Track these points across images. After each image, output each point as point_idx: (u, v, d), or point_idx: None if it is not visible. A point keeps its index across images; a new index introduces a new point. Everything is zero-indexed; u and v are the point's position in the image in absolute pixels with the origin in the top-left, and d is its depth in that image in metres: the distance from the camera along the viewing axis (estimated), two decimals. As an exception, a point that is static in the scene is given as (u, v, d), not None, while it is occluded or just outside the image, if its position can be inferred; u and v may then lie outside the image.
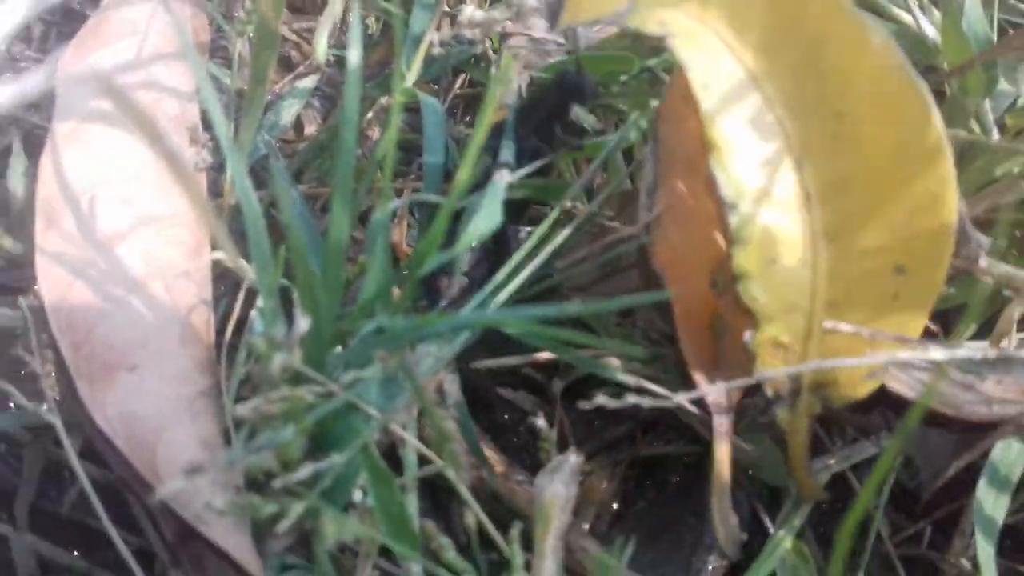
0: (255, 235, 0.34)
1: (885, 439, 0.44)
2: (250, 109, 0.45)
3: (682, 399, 0.33)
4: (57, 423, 0.39)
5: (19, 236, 0.45)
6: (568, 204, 0.45)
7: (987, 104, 0.50)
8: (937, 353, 0.36)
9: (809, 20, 0.36)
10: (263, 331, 0.37)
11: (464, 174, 0.32)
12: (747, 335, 0.36)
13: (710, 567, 0.42)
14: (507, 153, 0.43)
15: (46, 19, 0.64)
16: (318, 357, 0.36)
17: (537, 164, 0.45)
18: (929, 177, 0.35)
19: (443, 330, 0.36)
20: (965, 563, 0.43)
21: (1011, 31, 0.56)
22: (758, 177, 0.36)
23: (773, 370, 0.36)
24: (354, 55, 0.33)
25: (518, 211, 0.47)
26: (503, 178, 0.41)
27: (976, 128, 0.51)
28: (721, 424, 0.38)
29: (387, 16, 0.58)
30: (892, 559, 0.45)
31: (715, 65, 0.36)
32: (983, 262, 0.40)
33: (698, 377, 0.38)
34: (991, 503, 0.40)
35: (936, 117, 0.35)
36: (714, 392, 0.36)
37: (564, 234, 0.43)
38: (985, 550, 0.40)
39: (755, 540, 0.43)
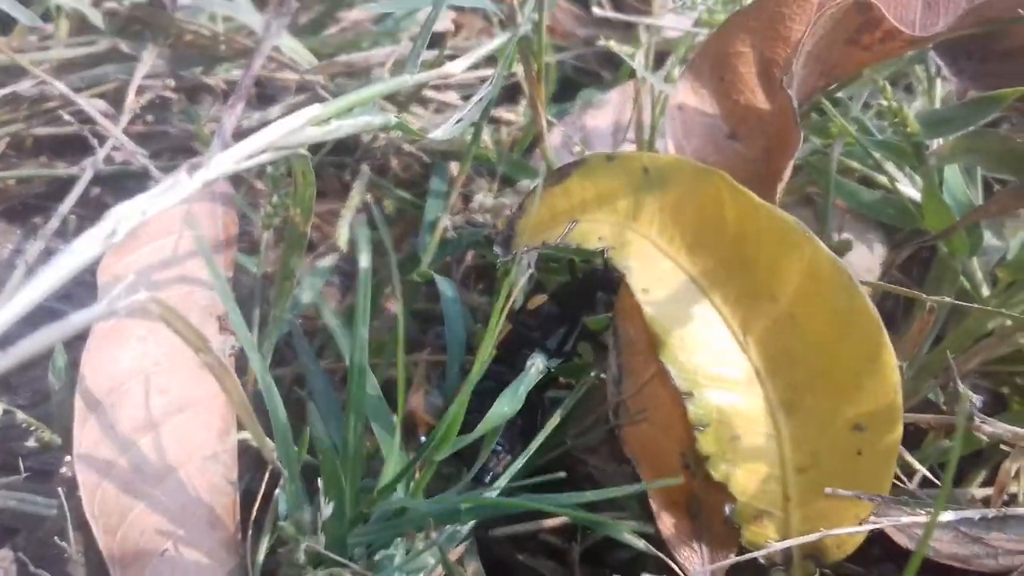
0: (279, 429, 0.37)
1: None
2: (278, 302, 0.48)
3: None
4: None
5: (55, 425, 0.47)
6: (589, 381, 0.46)
7: (975, 262, 0.52)
8: (947, 515, 0.37)
9: (730, 221, 0.39)
10: (287, 515, 0.39)
11: (477, 370, 0.35)
12: (728, 508, 0.37)
13: None
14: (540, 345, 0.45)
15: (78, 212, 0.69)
16: (340, 537, 0.38)
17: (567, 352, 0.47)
18: (862, 340, 0.38)
19: (464, 512, 0.37)
20: None
21: (996, 187, 0.59)
22: (707, 363, 0.38)
23: (764, 546, 0.37)
24: (364, 259, 0.36)
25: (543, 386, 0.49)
26: (536, 365, 0.44)
27: (967, 284, 0.53)
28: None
29: (402, 203, 0.62)
30: None
31: (652, 268, 0.40)
32: (977, 420, 0.42)
33: (683, 557, 0.39)
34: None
35: (858, 288, 0.38)
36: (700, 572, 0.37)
37: (568, 402, 0.45)
38: None
39: None
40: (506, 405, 0.39)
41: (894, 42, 0.40)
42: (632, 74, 0.70)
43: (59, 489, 0.42)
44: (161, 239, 0.53)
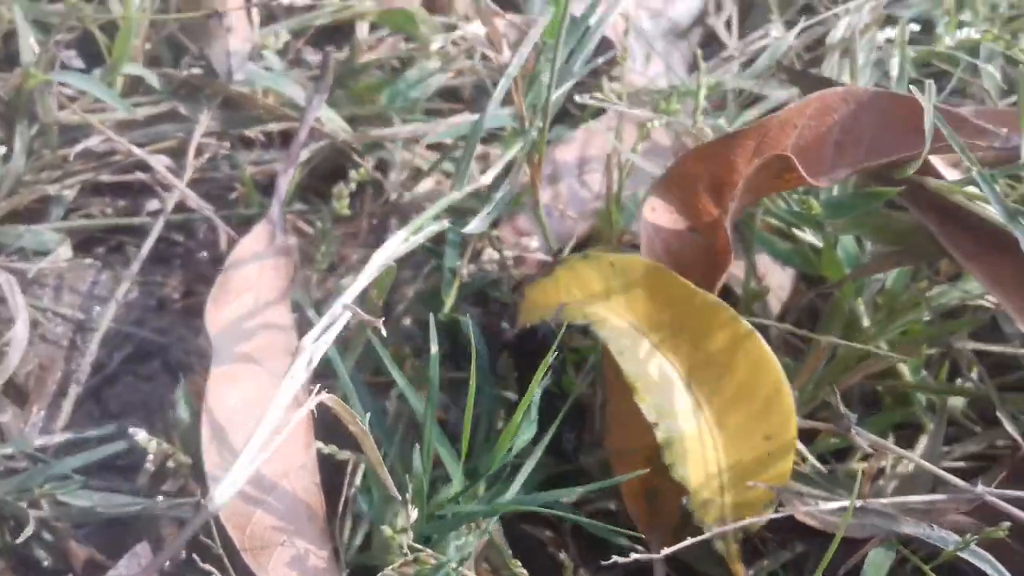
0: (372, 458, 0.53)
1: (798, 548, 0.64)
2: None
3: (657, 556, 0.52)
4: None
5: (186, 449, 0.63)
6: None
7: (859, 301, 0.70)
8: (830, 504, 0.56)
9: (674, 303, 0.57)
10: (373, 516, 0.55)
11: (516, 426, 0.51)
12: (684, 499, 0.55)
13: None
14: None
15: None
16: (418, 532, 0.55)
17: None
18: (768, 381, 0.56)
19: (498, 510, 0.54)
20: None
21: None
22: (664, 401, 0.56)
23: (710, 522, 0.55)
24: (434, 347, 0.52)
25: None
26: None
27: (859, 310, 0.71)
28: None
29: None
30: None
31: (622, 336, 0.57)
32: (853, 432, 0.60)
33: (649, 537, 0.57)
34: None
35: (765, 348, 0.56)
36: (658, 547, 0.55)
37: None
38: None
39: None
40: (526, 432, 0.56)
41: (807, 181, 0.56)
42: (595, 114, 0.86)
43: (200, 500, 0.58)
44: (244, 294, 0.68)
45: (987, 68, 0.76)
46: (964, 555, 0.51)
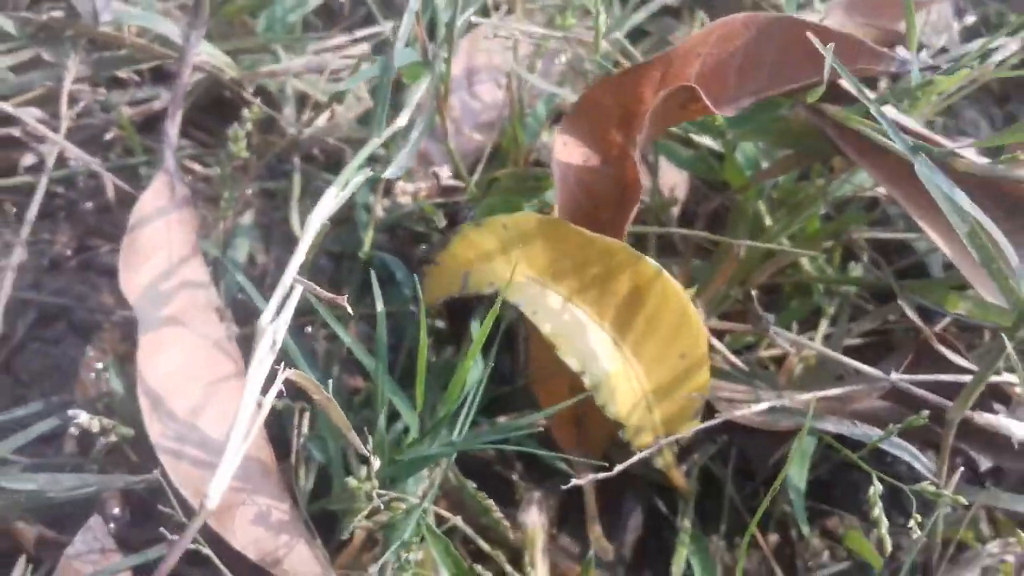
0: (338, 420, 0.53)
1: (721, 443, 0.69)
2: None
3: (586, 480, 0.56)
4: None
5: (125, 422, 0.62)
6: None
7: (760, 203, 0.74)
8: (759, 406, 0.60)
9: (574, 252, 0.58)
10: (334, 466, 0.56)
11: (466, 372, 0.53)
12: (620, 432, 0.59)
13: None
14: None
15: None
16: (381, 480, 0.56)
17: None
18: (674, 307, 0.59)
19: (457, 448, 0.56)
20: (787, 508, 0.68)
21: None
22: (586, 349, 0.58)
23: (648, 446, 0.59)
24: (379, 304, 0.52)
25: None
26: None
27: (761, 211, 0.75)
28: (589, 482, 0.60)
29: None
30: (741, 512, 0.70)
31: (533, 297, 0.58)
32: (772, 332, 0.65)
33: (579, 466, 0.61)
34: (797, 474, 0.65)
35: (669, 279, 0.58)
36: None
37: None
38: (798, 500, 0.64)
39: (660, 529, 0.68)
40: (476, 373, 0.58)
41: (711, 111, 0.58)
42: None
43: (155, 470, 0.57)
44: (157, 253, 0.66)
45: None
46: (884, 446, 0.57)
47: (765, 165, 0.73)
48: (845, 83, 0.55)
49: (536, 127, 0.78)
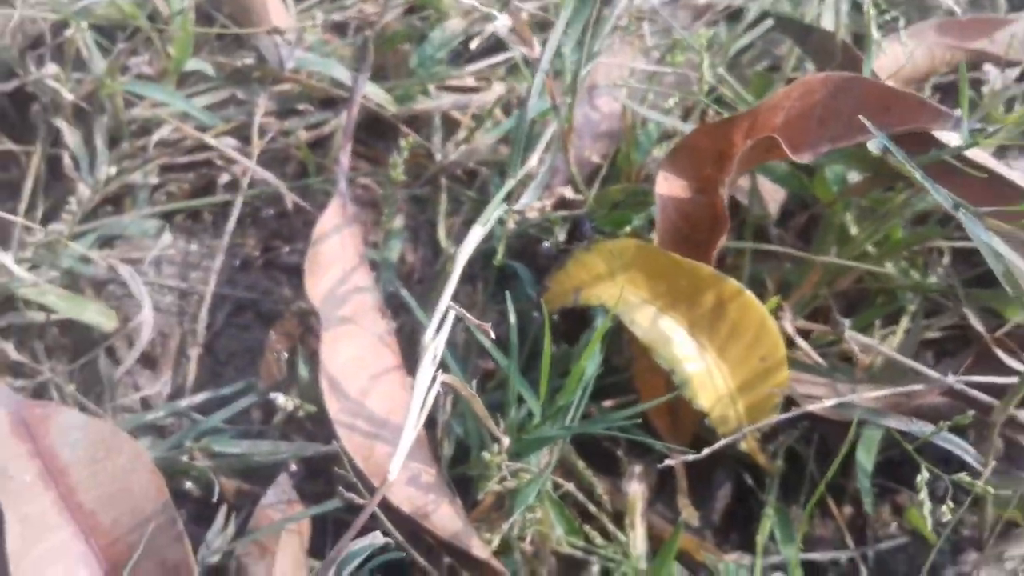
0: (479, 411, 0.67)
1: (804, 428, 0.80)
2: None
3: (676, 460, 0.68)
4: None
5: (308, 400, 0.78)
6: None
7: (847, 215, 0.83)
8: (829, 402, 0.71)
9: (666, 273, 0.70)
10: (474, 442, 0.71)
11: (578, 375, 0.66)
12: (706, 420, 0.70)
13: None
14: None
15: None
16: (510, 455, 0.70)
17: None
18: (754, 317, 0.69)
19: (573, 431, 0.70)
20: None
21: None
22: (676, 351, 0.70)
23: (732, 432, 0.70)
24: (512, 316, 0.65)
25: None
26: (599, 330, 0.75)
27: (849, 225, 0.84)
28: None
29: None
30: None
31: (632, 309, 0.70)
32: (846, 335, 0.75)
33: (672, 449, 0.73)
34: (864, 458, 0.75)
35: (746, 293, 0.69)
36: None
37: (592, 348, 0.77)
38: (863, 479, 0.75)
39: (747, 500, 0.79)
40: (590, 367, 0.71)
41: (790, 157, 0.68)
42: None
43: (334, 441, 0.73)
44: (335, 265, 0.81)
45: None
46: (937, 440, 0.67)
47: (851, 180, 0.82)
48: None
49: (648, 145, 0.89)
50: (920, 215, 0.84)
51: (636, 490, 0.77)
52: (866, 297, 0.87)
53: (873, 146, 0.64)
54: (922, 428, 0.67)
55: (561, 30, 0.70)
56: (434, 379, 0.57)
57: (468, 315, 0.58)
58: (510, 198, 0.71)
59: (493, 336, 0.60)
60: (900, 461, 0.81)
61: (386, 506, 0.71)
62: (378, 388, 0.77)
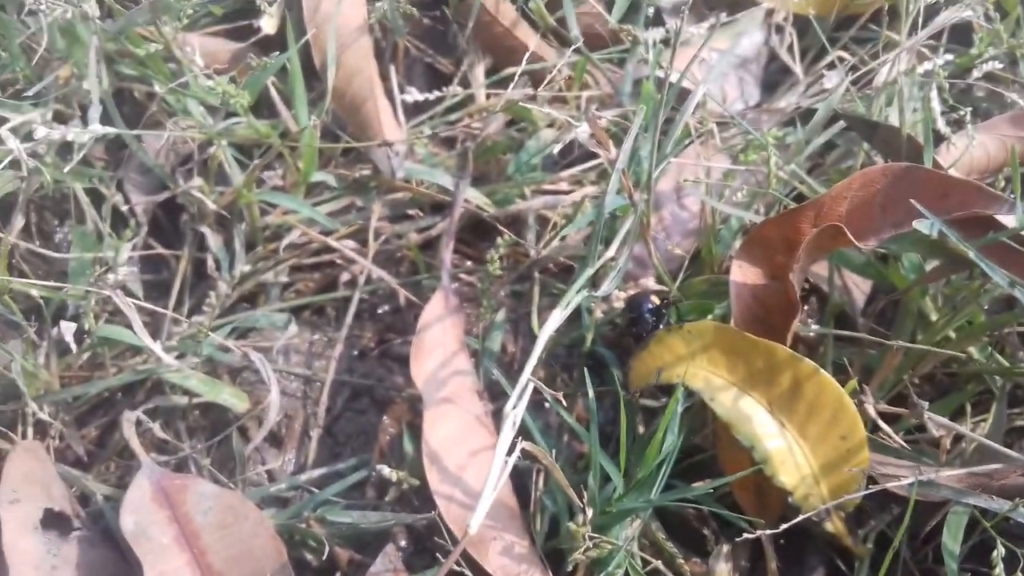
0: (560, 481, 0.73)
1: (895, 509, 0.81)
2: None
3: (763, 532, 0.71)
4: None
5: (412, 474, 0.85)
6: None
7: (926, 300, 0.86)
8: (906, 481, 0.72)
9: (745, 354, 0.74)
10: (561, 514, 0.76)
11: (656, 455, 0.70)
12: (789, 498, 0.73)
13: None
14: None
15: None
16: (594, 526, 0.75)
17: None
18: (832, 397, 0.73)
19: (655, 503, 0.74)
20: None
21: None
22: (756, 429, 0.74)
23: (813, 508, 0.73)
24: (591, 391, 0.71)
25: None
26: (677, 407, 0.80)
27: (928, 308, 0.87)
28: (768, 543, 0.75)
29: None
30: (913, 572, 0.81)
31: (712, 386, 0.75)
32: (926, 417, 0.77)
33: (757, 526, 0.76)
34: (951, 540, 0.76)
35: (825, 376, 0.73)
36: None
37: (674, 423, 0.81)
38: (950, 562, 0.75)
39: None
40: (671, 441, 0.75)
41: (855, 244, 0.73)
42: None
43: (434, 511, 0.79)
44: (436, 350, 0.89)
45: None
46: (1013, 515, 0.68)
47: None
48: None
49: (729, 239, 0.95)
50: (1007, 300, 0.86)
51: (723, 569, 0.80)
52: (957, 383, 0.88)
53: (923, 227, 0.67)
54: (1002, 505, 0.68)
55: (634, 134, 0.77)
56: (514, 445, 0.63)
57: (546, 388, 0.65)
58: (593, 286, 0.78)
59: (565, 403, 0.66)
60: (993, 546, 0.81)
61: (482, 574, 0.77)
62: (474, 463, 0.83)
